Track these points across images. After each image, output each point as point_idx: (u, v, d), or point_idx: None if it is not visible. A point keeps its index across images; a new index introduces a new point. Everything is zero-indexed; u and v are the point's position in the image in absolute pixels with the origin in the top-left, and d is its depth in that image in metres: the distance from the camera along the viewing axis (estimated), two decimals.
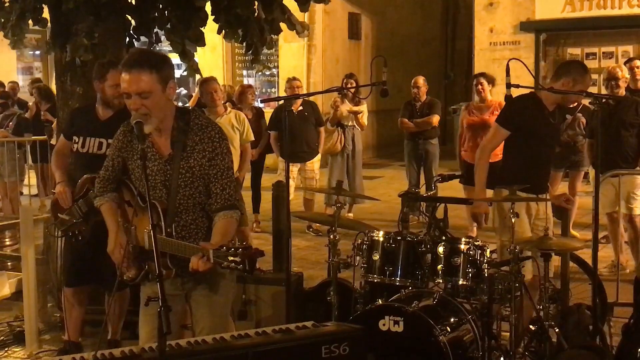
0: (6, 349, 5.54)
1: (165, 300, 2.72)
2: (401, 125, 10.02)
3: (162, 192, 3.46)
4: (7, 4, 6.09)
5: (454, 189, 8.63)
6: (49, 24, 6.28)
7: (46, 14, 6.23)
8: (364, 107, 10.10)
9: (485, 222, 5.28)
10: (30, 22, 6.20)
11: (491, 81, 8.59)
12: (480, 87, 8.51)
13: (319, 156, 9.53)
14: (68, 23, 6.00)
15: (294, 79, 9.64)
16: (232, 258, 3.01)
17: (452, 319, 4.48)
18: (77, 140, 5.10)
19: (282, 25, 7.01)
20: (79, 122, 5.18)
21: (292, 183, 8.96)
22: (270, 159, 10.42)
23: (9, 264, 6.73)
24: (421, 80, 9.94)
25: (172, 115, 3.47)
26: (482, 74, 8.73)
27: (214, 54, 16.30)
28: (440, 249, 4.67)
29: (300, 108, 9.22)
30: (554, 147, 5.34)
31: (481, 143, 5.55)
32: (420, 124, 9.84)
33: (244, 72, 17.71)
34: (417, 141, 9.96)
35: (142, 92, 3.30)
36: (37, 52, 15.08)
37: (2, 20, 6.14)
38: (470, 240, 4.73)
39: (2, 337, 5.71)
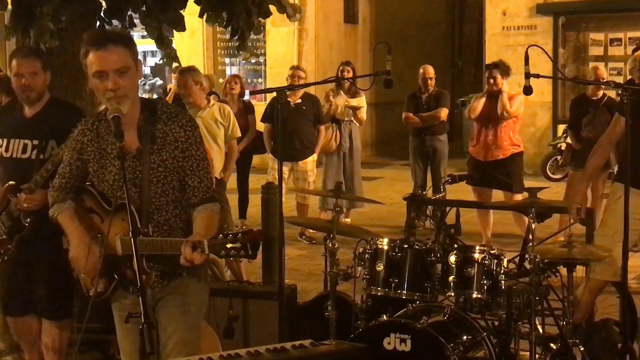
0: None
1: (148, 316, 2.72)
2: (406, 121, 10.02)
3: (132, 191, 3.44)
4: None
5: (463, 191, 8.67)
6: (9, 6, 6.27)
7: None
8: (362, 101, 10.08)
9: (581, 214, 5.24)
10: None
11: (506, 72, 8.56)
12: (492, 80, 8.51)
13: (314, 156, 9.48)
14: (31, 5, 5.99)
15: (298, 67, 9.67)
16: (230, 245, 3.01)
17: (464, 337, 4.50)
18: (0, 143, 4.77)
19: (272, 8, 7.02)
20: (3, 121, 4.85)
21: (282, 185, 8.94)
22: (256, 159, 10.42)
23: None
24: (432, 70, 9.94)
25: (138, 105, 3.49)
26: (495, 65, 8.70)
27: (193, 40, 16.28)
28: (452, 259, 4.67)
29: (299, 101, 9.21)
30: None
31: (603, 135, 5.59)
32: (427, 119, 9.85)
33: (227, 60, 17.69)
34: (424, 137, 9.96)
35: (121, 68, 3.34)
36: None
37: None
38: (486, 248, 4.73)
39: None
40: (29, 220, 4.60)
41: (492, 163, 8.52)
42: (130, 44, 3.43)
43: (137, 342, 2.76)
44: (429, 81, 9.88)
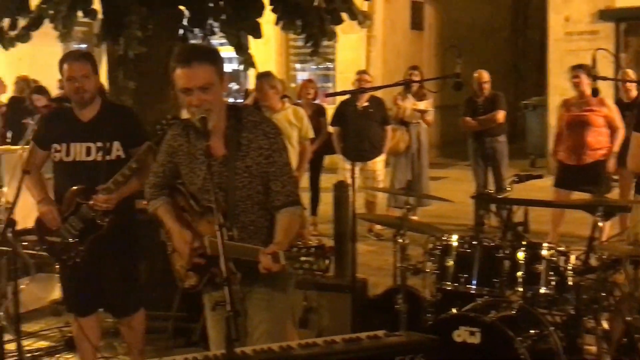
0: (57, 355, 5.64)
1: (234, 305, 2.74)
2: (463, 125, 9.92)
3: (219, 194, 3.46)
4: None
5: (528, 190, 8.52)
6: (99, 16, 6.39)
7: (96, 5, 6.34)
8: (430, 104, 10.03)
9: None
10: (79, 13, 6.30)
11: (591, 74, 8.33)
12: (577, 79, 8.30)
13: (383, 156, 9.47)
14: (120, 15, 6.10)
15: (364, 72, 9.64)
16: (304, 258, 3.02)
17: (532, 331, 4.42)
18: (58, 149, 4.61)
19: (343, 16, 7.02)
20: (57, 127, 4.68)
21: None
22: (326, 159, 10.43)
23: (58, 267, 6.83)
24: (486, 74, 9.84)
25: (224, 114, 3.50)
26: (581, 66, 8.43)
27: (267, 47, 16.35)
28: (520, 255, 4.62)
29: (366, 104, 9.19)
30: None
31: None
32: (484, 122, 9.73)
33: (298, 66, 17.77)
34: (483, 139, 9.84)
35: (204, 85, 3.34)
36: (84, 46, 15.37)
37: (52, 12, 6.26)
38: (553, 245, 4.66)
39: (52, 343, 5.82)
40: (107, 219, 4.54)
41: (581, 167, 8.30)
42: (215, 60, 3.40)
43: (224, 331, 2.78)
44: (484, 85, 9.77)
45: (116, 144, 4.59)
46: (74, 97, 4.58)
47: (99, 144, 4.57)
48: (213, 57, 3.41)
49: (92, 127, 4.59)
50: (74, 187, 4.55)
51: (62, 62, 4.58)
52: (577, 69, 8.36)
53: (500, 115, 9.72)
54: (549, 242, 4.90)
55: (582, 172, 8.21)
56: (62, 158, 4.61)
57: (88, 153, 4.58)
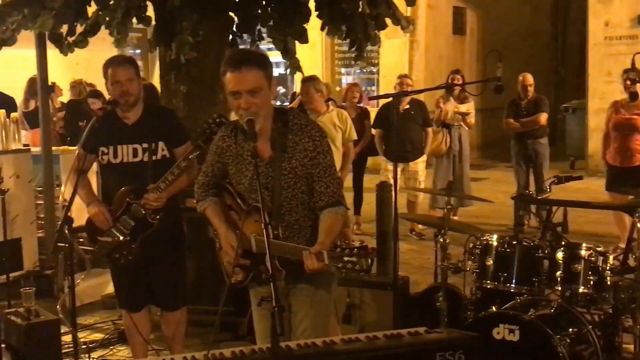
0: (111, 347, 5.72)
1: (278, 301, 2.75)
2: (506, 126, 9.84)
3: (265, 194, 3.49)
4: (112, 2, 6.30)
5: (567, 191, 8.42)
6: (152, 22, 6.46)
7: (150, 12, 6.41)
8: (471, 106, 9.97)
9: None
10: (134, 20, 6.38)
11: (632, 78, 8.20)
12: (628, 82, 8.14)
13: (424, 157, 9.43)
14: (172, 21, 6.16)
15: (405, 76, 9.60)
16: (347, 258, 3.02)
17: (570, 329, 4.37)
18: (106, 151, 4.64)
19: (387, 21, 7.00)
20: (103, 131, 4.63)
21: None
22: (369, 160, 10.41)
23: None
24: (531, 77, 9.74)
25: (271, 117, 3.52)
26: (633, 69, 8.32)
27: (313, 51, 16.40)
28: (560, 255, 4.57)
29: (407, 107, 9.15)
30: None
31: None
32: (527, 124, 9.65)
33: (343, 70, 17.77)
34: (525, 141, 9.75)
35: (252, 89, 3.36)
36: (138, 51, 15.55)
37: (107, 18, 6.35)
38: (592, 246, 4.60)
39: (106, 336, 5.90)
40: (157, 217, 4.58)
41: (627, 169, 8.17)
42: (264, 65, 3.41)
43: (269, 325, 2.79)
44: (529, 88, 9.68)
45: (161, 144, 4.64)
46: (119, 100, 4.61)
47: (145, 145, 4.61)
48: (262, 62, 3.42)
49: (137, 129, 4.63)
50: (124, 188, 4.59)
51: (106, 67, 4.63)
52: (628, 71, 8.21)
53: (543, 117, 9.63)
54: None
55: (628, 174, 8.08)
56: (110, 160, 4.64)
57: (135, 154, 4.62)
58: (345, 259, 3.04)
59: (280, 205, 3.50)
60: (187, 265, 5.04)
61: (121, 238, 4.62)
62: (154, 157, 4.61)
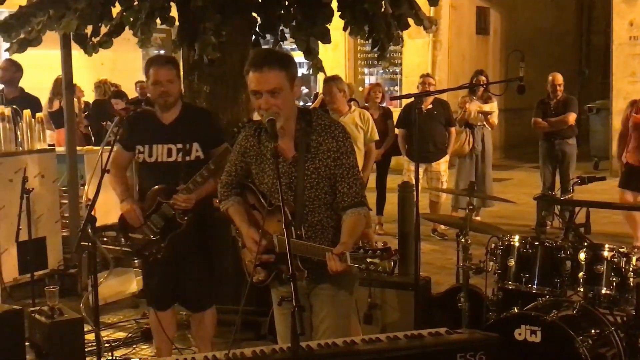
0: (134, 346, 5.75)
1: (298, 301, 2.75)
2: (535, 126, 9.77)
3: (288, 194, 3.50)
4: (136, 3, 6.33)
5: (591, 192, 8.35)
6: (176, 23, 6.49)
7: (174, 12, 6.44)
8: (494, 106, 9.93)
9: None
10: (158, 20, 6.41)
11: None
12: None
13: (447, 157, 9.40)
14: (196, 21, 6.18)
15: (428, 75, 9.58)
16: (370, 260, 3.02)
17: (593, 331, 4.33)
18: (142, 150, 4.69)
19: (410, 21, 6.98)
20: (140, 129, 4.74)
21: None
22: (392, 160, 10.39)
23: (135, 261, 6.98)
24: (560, 77, 9.67)
25: (295, 117, 3.52)
26: None
27: (335, 52, 16.42)
28: (582, 256, 4.53)
29: (430, 106, 9.13)
30: None
31: None
32: (555, 124, 9.57)
33: (366, 70, 17.76)
34: (553, 141, 9.67)
35: (273, 90, 3.36)
36: (162, 52, 15.66)
37: (132, 19, 6.38)
38: (615, 247, 4.56)
39: (129, 334, 5.93)
40: (186, 218, 4.60)
41: None
42: (287, 66, 3.40)
43: (290, 325, 2.79)
44: (558, 88, 9.61)
45: (195, 145, 4.65)
46: (158, 100, 4.65)
47: (179, 146, 4.63)
48: (285, 63, 3.41)
49: (173, 129, 4.65)
50: (156, 187, 4.63)
51: (148, 66, 4.66)
52: None
53: (571, 117, 9.57)
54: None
55: None
56: (145, 159, 4.68)
57: (169, 154, 4.64)
58: (368, 260, 3.03)
59: (303, 205, 3.50)
60: (215, 267, 5.03)
61: (151, 236, 4.66)
62: (187, 158, 4.63)
